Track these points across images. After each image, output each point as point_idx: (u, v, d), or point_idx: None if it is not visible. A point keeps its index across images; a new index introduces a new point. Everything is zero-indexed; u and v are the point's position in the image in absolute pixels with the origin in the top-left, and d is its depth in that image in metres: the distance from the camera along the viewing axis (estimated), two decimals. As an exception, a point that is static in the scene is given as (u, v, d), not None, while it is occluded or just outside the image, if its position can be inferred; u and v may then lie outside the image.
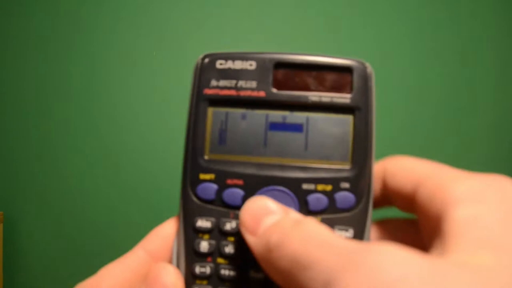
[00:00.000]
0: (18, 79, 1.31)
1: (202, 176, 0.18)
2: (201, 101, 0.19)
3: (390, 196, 0.18)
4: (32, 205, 1.30)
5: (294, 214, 0.16)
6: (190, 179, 0.19)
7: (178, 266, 0.18)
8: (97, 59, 1.31)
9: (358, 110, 0.18)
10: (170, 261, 0.19)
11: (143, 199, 1.30)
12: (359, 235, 0.18)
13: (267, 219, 0.15)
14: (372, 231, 0.19)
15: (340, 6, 1.31)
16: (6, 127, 1.31)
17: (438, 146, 1.30)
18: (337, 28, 1.31)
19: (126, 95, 1.31)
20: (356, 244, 0.13)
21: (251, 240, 0.15)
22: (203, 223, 0.18)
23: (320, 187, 0.18)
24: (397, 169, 0.17)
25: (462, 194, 0.14)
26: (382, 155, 0.20)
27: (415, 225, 0.18)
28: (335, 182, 0.18)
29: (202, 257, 0.18)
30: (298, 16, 1.31)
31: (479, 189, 0.14)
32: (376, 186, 0.19)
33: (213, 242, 0.18)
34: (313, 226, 0.14)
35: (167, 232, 0.19)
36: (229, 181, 0.18)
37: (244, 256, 0.18)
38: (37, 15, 1.31)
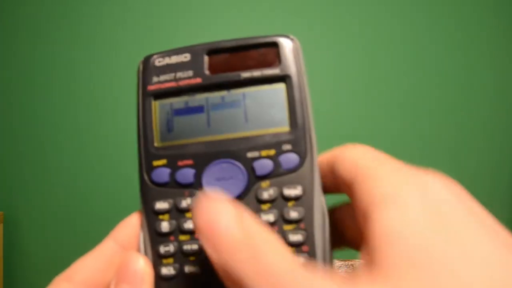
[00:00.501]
0: (19, 80, 1.32)
1: (155, 163, 0.20)
2: (146, 97, 0.21)
3: (339, 184, 0.18)
4: (32, 205, 1.31)
5: (247, 222, 0.15)
6: (145, 168, 0.20)
7: (145, 251, 0.19)
8: (98, 61, 1.32)
9: (289, 78, 0.20)
10: (139, 249, 0.20)
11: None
12: (309, 191, 0.18)
13: (220, 231, 0.14)
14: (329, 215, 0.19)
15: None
16: (7, 128, 1.32)
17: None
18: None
19: (126, 95, 1.31)
20: (290, 272, 0.13)
21: (208, 251, 0.15)
22: (161, 205, 0.19)
23: (263, 152, 0.19)
24: (343, 157, 0.18)
25: (384, 195, 0.14)
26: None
27: None
28: (277, 146, 0.19)
29: (164, 236, 0.19)
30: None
31: (402, 189, 0.14)
32: (326, 173, 0.19)
33: (173, 221, 0.19)
34: (261, 244, 0.14)
35: (134, 222, 0.20)
36: (179, 163, 0.19)
37: None
38: (34, 17, 1.32)
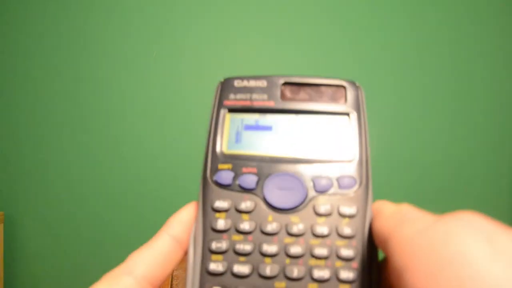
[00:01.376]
0: (20, 80, 1.31)
1: (221, 166, 0.21)
2: (220, 109, 0.23)
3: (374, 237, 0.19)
4: (32, 205, 1.31)
5: None
6: (210, 169, 0.21)
7: (195, 246, 0.20)
8: (99, 61, 1.32)
9: (353, 114, 0.22)
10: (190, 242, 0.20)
11: (143, 199, 1.31)
12: (362, 213, 0.20)
13: None
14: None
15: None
16: (7, 128, 1.32)
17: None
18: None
19: (127, 96, 1.31)
20: None
21: None
22: (220, 203, 0.20)
23: (324, 173, 0.21)
24: (381, 212, 0.19)
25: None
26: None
27: None
28: (337, 170, 0.21)
29: (218, 233, 0.20)
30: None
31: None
32: None
33: (228, 220, 0.20)
34: None
35: (186, 217, 0.21)
36: (244, 169, 0.21)
37: (257, 232, 0.20)
38: (42, 18, 1.32)
